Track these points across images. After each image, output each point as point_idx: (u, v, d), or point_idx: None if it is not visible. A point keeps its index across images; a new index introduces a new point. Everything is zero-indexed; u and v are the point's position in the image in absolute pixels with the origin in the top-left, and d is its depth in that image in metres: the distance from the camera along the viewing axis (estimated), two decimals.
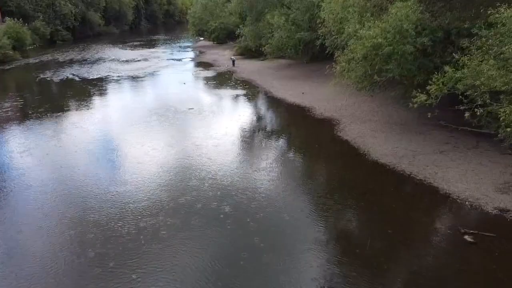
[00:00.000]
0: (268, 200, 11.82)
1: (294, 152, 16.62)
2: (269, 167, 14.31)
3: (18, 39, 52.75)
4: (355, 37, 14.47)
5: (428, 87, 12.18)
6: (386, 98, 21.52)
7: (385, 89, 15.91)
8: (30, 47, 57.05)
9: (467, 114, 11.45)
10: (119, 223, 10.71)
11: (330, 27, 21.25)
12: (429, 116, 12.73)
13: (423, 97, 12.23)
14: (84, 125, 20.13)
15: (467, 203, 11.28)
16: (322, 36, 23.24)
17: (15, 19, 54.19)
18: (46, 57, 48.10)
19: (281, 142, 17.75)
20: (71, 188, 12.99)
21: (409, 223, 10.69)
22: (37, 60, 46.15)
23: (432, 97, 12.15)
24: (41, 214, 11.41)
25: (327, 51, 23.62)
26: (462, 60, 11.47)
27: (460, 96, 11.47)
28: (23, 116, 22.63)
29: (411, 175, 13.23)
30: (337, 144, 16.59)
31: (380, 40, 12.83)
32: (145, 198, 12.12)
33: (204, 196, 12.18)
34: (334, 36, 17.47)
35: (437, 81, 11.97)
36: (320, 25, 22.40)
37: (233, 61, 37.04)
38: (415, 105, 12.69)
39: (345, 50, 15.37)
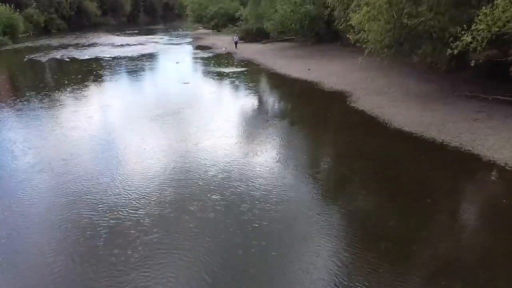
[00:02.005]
0: (283, 172, 9.72)
1: (304, 121, 14.56)
2: (278, 137, 12.28)
3: (9, 25, 50.49)
4: None
5: (473, 27, 10.03)
6: (402, 72, 19.59)
7: (409, 49, 13.66)
8: (23, 35, 54.83)
9: None
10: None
11: None
12: (472, 64, 10.58)
13: (467, 38, 10.04)
14: (70, 100, 18.07)
15: None
16: (330, 5, 21.09)
17: (7, 5, 51.94)
18: (39, 43, 46.05)
19: (289, 112, 15.74)
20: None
21: (452, 193, 8.59)
22: (30, 44, 44.12)
23: (477, 40, 9.98)
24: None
25: (335, 23, 21.48)
26: None
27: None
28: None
29: (444, 143, 11.17)
30: (352, 114, 14.50)
31: None
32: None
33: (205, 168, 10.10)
34: None
35: (485, 18, 9.82)
36: None
37: (236, 43, 34.58)
38: (455, 51, 10.53)
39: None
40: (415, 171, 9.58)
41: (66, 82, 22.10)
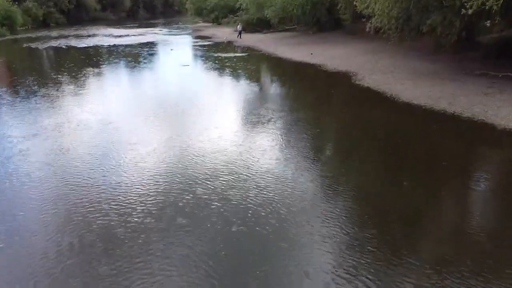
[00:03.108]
0: (289, 143, 9.23)
1: (308, 97, 14.11)
2: (283, 111, 11.78)
3: (7, 17, 49.87)
4: None
5: None
6: (407, 54, 19.14)
7: (418, 21, 13.11)
8: (22, 28, 54.19)
9: None
10: None
11: None
12: (488, 25, 10.04)
13: None
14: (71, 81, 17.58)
15: None
16: None
17: None
18: (38, 34, 45.43)
19: (292, 90, 15.27)
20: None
21: (468, 156, 8.12)
22: (28, 35, 43.59)
23: None
24: None
25: (338, 6, 20.95)
26: None
27: None
28: None
29: (455, 114, 10.70)
30: (357, 90, 14.02)
31: None
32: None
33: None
34: None
35: None
36: None
37: (240, 32, 33.59)
38: (470, 11, 10.04)
39: None
40: (427, 139, 9.11)
41: (62, 64, 21.64)
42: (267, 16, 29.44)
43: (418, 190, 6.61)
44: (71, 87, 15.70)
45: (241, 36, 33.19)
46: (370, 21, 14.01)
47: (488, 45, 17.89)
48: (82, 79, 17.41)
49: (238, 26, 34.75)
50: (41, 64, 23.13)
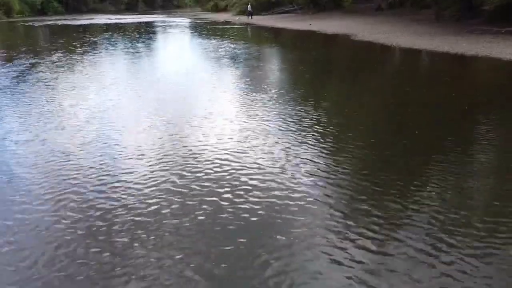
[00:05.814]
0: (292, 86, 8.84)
1: (310, 49, 13.72)
2: (285, 60, 11.46)
3: (4, 3, 49.42)
4: None
5: None
6: (408, 24, 18.79)
7: None
8: (19, 15, 53.68)
9: None
10: None
11: None
12: None
13: None
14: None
15: None
16: None
17: None
18: (36, 19, 45.11)
19: (291, 46, 14.85)
20: None
21: (475, 77, 7.78)
22: (26, 19, 43.29)
23: None
24: None
25: None
26: None
27: None
28: None
29: (458, 53, 10.39)
30: (358, 44, 13.74)
31: None
32: None
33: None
34: None
35: None
36: None
37: (250, 13, 32.40)
38: None
39: None
40: (430, 67, 8.78)
41: (57, 36, 21.27)
42: None
43: (422, 96, 6.23)
44: (68, 54, 15.29)
45: (252, 17, 32.13)
46: None
47: (490, 11, 17.57)
48: (81, 45, 17.05)
49: (249, 6, 33.88)
50: (34, 37, 22.71)
